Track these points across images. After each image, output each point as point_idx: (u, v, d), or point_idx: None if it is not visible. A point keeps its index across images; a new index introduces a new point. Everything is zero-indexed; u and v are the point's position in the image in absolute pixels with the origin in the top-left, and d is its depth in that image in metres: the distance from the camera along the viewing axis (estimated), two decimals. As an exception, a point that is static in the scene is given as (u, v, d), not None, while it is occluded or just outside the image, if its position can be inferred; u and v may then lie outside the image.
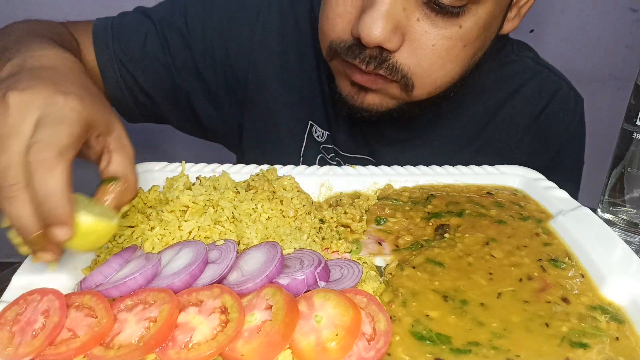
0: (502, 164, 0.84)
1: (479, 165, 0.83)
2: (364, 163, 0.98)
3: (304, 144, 0.98)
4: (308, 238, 0.63)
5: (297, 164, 0.82)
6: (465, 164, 0.83)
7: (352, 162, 0.98)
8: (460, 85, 0.80)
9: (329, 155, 0.99)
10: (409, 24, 0.70)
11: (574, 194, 0.74)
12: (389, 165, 0.83)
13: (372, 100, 0.79)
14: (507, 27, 0.82)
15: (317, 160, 0.99)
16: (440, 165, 0.83)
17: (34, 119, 0.48)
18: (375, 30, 0.67)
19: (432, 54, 0.72)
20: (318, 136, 0.98)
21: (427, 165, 0.83)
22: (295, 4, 0.94)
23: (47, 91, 0.50)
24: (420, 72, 0.74)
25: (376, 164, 0.87)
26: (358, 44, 0.72)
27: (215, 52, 0.93)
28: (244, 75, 0.95)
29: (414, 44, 0.71)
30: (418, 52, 0.72)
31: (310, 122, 0.97)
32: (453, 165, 0.83)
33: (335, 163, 0.99)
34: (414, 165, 0.83)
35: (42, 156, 0.46)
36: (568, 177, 1.03)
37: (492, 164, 0.84)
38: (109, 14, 0.95)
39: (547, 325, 0.50)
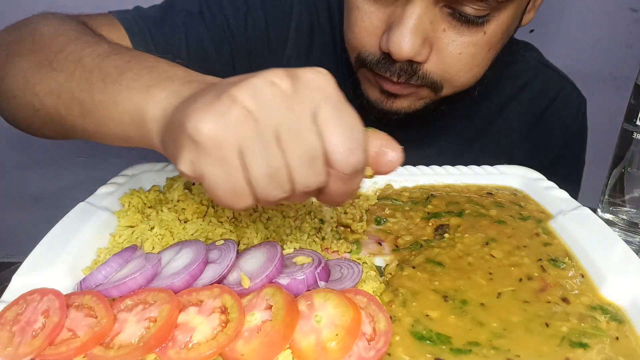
0: (506, 162, 0.84)
1: (483, 164, 0.84)
2: None
3: None
4: (308, 238, 0.63)
5: None
6: (471, 162, 0.84)
7: None
8: (481, 81, 0.81)
9: None
10: (435, 35, 0.71)
11: (575, 194, 0.74)
12: None
13: (400, 104, 0.81)
14: (525, 21, 0.83)
15: None
16: (447, 163, 0.84)
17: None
18: (405, 45, 0.68)
19: (458, 61, 0.73)
20: None
21: (435, 163, 0.83)
22: (317, 3, 0.94)
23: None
24: (448, 77, 0.76)
25: None
26: (387, 57, 0.73)
27: (254, 47, 0.92)
28: None
29: (441, 53, 0.73)
30: (446, 61, 0.73)
31: None
32: (459, 163, 0.83)
33: None
34: (422, 164, 0.83)
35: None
36: (569, 177, 1.03)
37: (496, 162, 0.84)
38: (106, 9, 0.87)
39: (547, 325, 0.50)
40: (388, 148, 0.45)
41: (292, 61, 0.93)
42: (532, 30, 1.62)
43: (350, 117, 0.41)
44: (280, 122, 0.39)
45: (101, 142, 0.58)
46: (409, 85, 0.76)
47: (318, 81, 0.41)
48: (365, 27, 0.74)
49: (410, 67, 0.73)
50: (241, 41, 0.91)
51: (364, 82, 0.82)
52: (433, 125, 0.96)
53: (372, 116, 0.86)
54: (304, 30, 0.93)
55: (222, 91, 0.40)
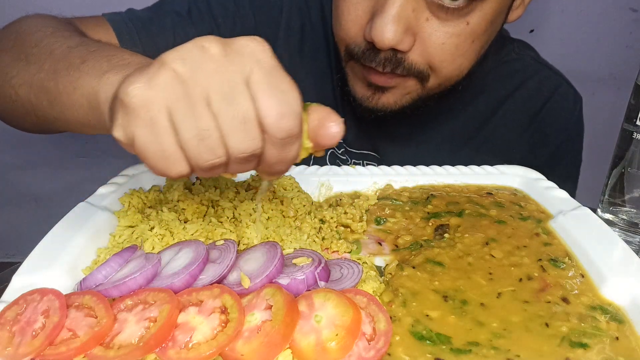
0: (503, 160, 0.84)
1: (481, 162, 0.84)
2: (369, 159, 0.98)
3: None
4: (308, 238, 0.63)
5: (308, 160, 0.81)
6: (467, 160, 0.84)
7: (359, 158, 0.99)
8: (468, 77, 0.82)
9: (339, 150, 1.00)
10: (418, 24, 0.71)
11: (572, 192, 0.75)
12: (392, 161, 0.84)
13: (386, 100, 0.81)
14: (512, 17, 0.83)
15: (327, 156, 0.99)
16: (442, 161, 0.84)
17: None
18: (387, 33, 0.69)
19: (442, 51, 0.74)
20: None
21: (430, 161, 0.84)
22: (309, 3, 0.95)
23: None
24: (432, 67, 0.76)
25: (381, 160, 0.86)
26: (372, 48, 0.73)
27: None
28: None
29: (424, 42, 0.73)
30: (429, 51, 0.74)
31: None
32: (455, 161, 0.84)
33: (345, 158, 0.99)
34: (419, 161, 0.83)
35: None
36: (566, 175, 1.04)
37: (492, 160, 0.84)
38: (104, 10, 0.89)
39: (547, 325, 0.50)
40: (329, 121, 0.45)
41: (283, 61, 0.93)
42: (532, 30, 1.62)
43: (284, 82, 0.41)
44: (210, 84, 0.39)
45: (67, 130, 0.62)
46: (395, 75, 0.76)
47: (251, 47, 0.41)
48: (351, 17, 0.74)
49: (395, 57, 0.73)
50: None
51: (352, 78, 0.83)
52: (429, 123, 0.96)
53: (358, 113, 0.87)
54: (295, 29, 0.94)
55: (156, 59, 0.41)
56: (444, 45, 0.73)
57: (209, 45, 0.40)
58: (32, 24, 0.69)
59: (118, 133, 0.41)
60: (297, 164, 0.79)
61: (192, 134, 0.40)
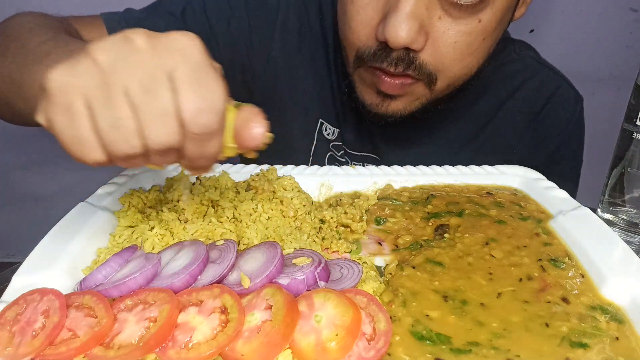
0: (504, 160, 0.84)
1: (481, 163, 0.84)
2: (369, 161, 0.98)
3: (315, 142, 0.98)
4: (308, 238, 0.63)
5: (307, 163, 0.81)
6: (468, 161, 0.84)
7: (359, 160, 0.99)
8: (477, 76, 0.81)
9: (338, 152, 0.99)
10: (431, 22, 0.71)
11: (572, 192, 0.75)
12: (394, 163, 0.83)
13: (396, 106, 0.81)
14: (517, 15, 0.83)
15: (326, 159, 0.99)
16: (444, 162, 0.84)
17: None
18: (402, 32, 0.68)
19: (453, 50, 0.73)
20: (328, 134, 0.98)
21: (432, 163, 0.83)
22: (307, 3, 0.94)
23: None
24: (442, 68, 0.75)
25: (382, 162, 0.86)
26: (384, 48, 0.73)
27: (237, 48, 0.92)
28: (261, 73, 0.95)
29: (436, 42, 0.72)
30: (441, 50, 0.73)
31: (320, 120, 0.98)
32: (457, 162, 0.84)
33: (344, 160, 0.99)
34: (419, 163, 0.83)
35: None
36: (566, 175, 1.03)
37: (494, 161, 0.84)
38: (104, 10, 0.90)
39: (547, 325, 0.50)
40: (253, 122, 0.45)
41: (278, 62, 0.94)
42: (532, 30, 1.62)
43: (209, 79, 0.42)
44: (130, 75, 0.40)
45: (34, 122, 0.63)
46: (406, 79, 0.75)
47: (181, 42, 0.42)
48: (361, 19, 0.74)
49: (407, 56, 0.73)
50: (224, 44, 0.91)
51: (359, 85, 0.82)
52: (430, 124, 0.96)
53: (368, 120, 0.86)
54: (292, 30, 0.93)
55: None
56: (456, 44, 0.73)
57: (135, 38, 0.41)
58: (19, 21, 0.70)
59: (39, 117, 0.43)
60: (268, 162, 0.79)
61: (106, 122, 0.40)
